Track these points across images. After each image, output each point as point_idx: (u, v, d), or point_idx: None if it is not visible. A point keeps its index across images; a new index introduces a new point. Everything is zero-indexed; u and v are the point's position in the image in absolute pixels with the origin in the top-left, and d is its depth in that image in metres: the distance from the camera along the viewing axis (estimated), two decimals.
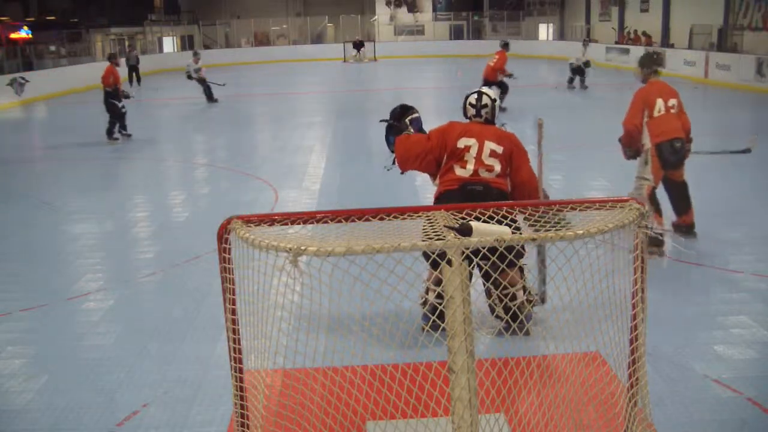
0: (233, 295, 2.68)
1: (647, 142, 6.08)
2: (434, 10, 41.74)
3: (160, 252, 6.77)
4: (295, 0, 42.51)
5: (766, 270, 5.67)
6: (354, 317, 4.08)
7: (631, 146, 6.26)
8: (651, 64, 6.57)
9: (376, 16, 40.98)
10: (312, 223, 2.65)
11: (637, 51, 26.67)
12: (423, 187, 8.51)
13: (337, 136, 13.71)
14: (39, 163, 12.48)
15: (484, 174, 4.34)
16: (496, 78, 15.97)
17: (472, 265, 2.67)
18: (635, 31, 29.26)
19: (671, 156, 6.06)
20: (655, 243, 5.84)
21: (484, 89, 4.70)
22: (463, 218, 2.59)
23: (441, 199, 4.32)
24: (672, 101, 6.24)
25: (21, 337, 4.92)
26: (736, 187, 8.46)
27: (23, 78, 20.93)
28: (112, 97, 13.00)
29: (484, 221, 2.50)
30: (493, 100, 4.61)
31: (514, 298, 3.96)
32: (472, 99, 4.63)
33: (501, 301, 3.77)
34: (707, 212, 7.53)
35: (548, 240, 2.34)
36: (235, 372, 2.76)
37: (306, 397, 3.49)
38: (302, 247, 2.30)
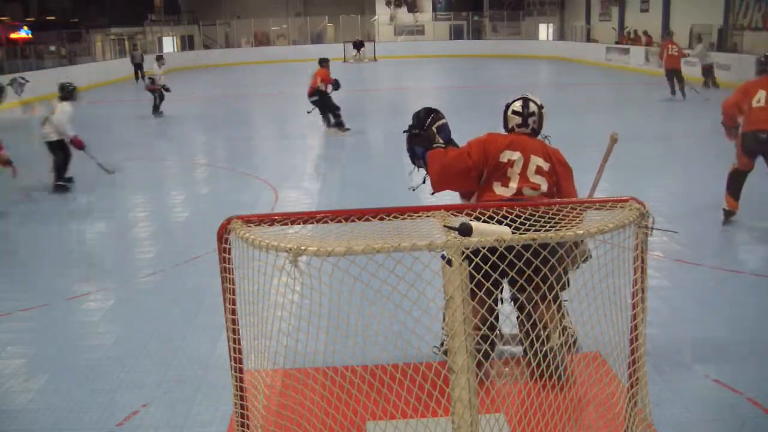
0: (233, 295, 2.68)
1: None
2: (434, 10, 41.73)
3: (160, 252, 6.77)
4: (295, 0, 42.51)
5: (766, 270, 5.67)
6: (354, 317, 4.08)
7: (727, 125, 6.76)
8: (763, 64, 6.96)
9: (376, 16, 40.98)
10: (312, 223, 2.65)
11: (637, 51, 26.70)
12: (423, 187, 8.51)
13: (337, 136, 13.71)
14: (39, 163, 12.47)
15: (528, 193, 3.78)
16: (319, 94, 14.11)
17: (499, 290, 2.64)
18: (635, 31, 29.24)
19: (755, 145, 6.50)
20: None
21: (530, 95, 4.14)
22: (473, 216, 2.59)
23: None
24: None
25: (21, 337, 4.92)
26: None
27: (23, 78, 20.92)
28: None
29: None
30: (540, 107, 4.05)
31: (548, 339, 3.41)
32: (517, 106, 4.03)
33: (531, 343, 3.26)
34: (707, 212, 7.53)
35: (548, 240, 2.34)
36: (235, 372, 2.76)
37: (306, 397, 3.49)
38: (302, 247, 2.30)
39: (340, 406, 3.29)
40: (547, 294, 2.76)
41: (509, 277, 2.85)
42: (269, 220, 2.67)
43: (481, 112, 13.70)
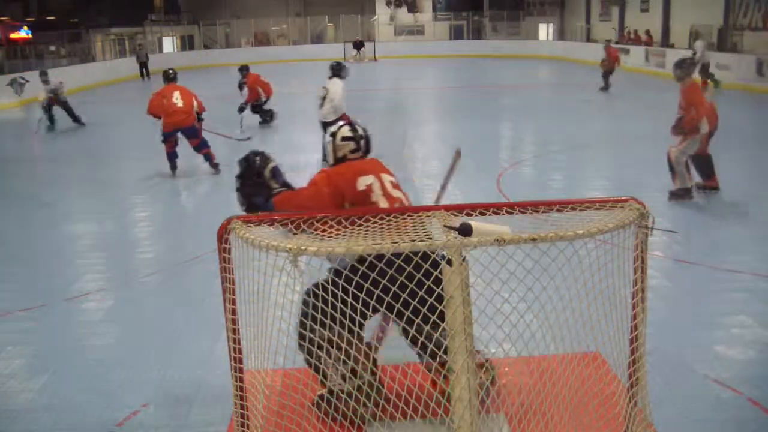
0: (233, 295, 2.68)
1: (704, 127, 7.63)
2: (434, 10, 41.72)
3: (160, 252, 6.77)
4: (295, 0, 42.51)
5: (766, 270, 5.67)
6: (354, 317, 4.08)
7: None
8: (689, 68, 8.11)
9: (376, 16, 40.98)
10: (312, 223, 2.65)
11: (637, 51, 26.69)
12: (423, 187, 8.51)
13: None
14: (39, 163, 12.49)
15: None
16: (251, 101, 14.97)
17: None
18: (635, 31, 29.24)
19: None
20: (684, 193, 7.69)
21: (350, 118, 4.03)
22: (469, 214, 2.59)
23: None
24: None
25: (21, 337, 4.92)
26: (735, 187, 8.45)
27: (23, 78, 20.93)
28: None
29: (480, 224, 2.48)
30: (365, 129, 3.94)
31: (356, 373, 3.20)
32: (346, 132, 3.85)
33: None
34: (707, 212, 7.53)
35: (548, 240, 2.34)
36: (235, 372, 2.76)
37: (306, 397, 3.49)
38: (302, 247, 2.30)
39: (340, 406, 3.28)
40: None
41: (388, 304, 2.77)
42: (269, 220, 2.67)
43: (481, 112, 13.72)
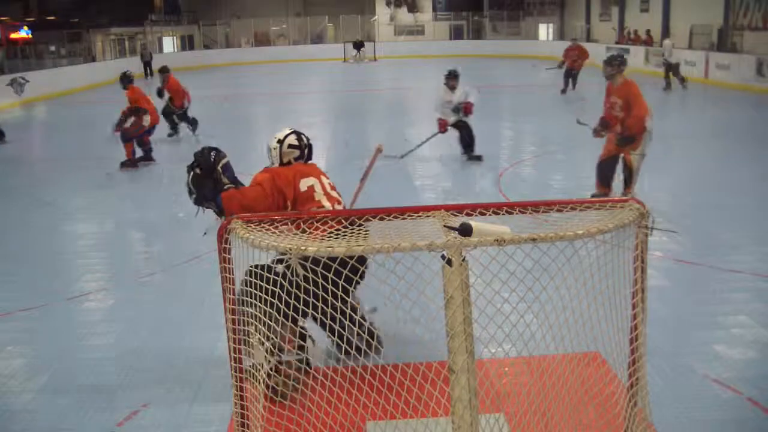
0: (233, 295, 2.68)
1: (649, 124, 7.19)
2: (434, 10, 41.71)
3: (160, 252, 6.77)
4: (295, 0, 42.50)
5: (766, 270, 5.67)
6: (354, 317, 4.08)
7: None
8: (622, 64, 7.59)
9: (376, 16, 40.97)
10: (312, 223, 2.65)
11: (637, 51, 26.69)
12: (423, 187, 8.51)
13: (337, 136, 13.72)
14: (39, 163, 12.48)
15: (339, 208, 4.00)
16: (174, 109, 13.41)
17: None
18: (635, 31, 29.23)
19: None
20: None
21: (295, 128, 4.26)
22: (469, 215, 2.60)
23: None
24: None
25: (21, 337, 4.92)
26: (735, 187, 8.46)
27: (23, 78, 20.93)
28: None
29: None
30: (308, 138, 4.24)
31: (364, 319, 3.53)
32: (293, 140, 4.13)
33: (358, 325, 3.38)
34: (707, 212, 7.53)
35: (548, 240, 2.34)
36: (235, 372, 2.76)
37: (306, 397, 3.49)
38: (302, 247, 2.30)
39: (340, 406, 3.29)
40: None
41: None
42: (269, 220, 2.67)
43: (481, 112, 13.69)
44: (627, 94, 7.28)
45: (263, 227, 2.59)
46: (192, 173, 4.08)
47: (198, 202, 4.10)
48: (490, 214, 2.65)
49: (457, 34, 40.59)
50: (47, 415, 3.85)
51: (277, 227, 2.62)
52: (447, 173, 10.06)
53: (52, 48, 31.24)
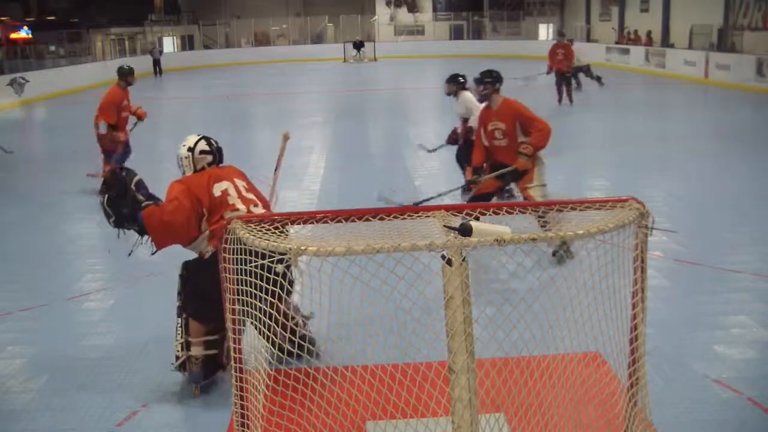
0: (233, 295, 2.67)
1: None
2: (434, 10, 41.71)
3: (160, 252, 6.75)
4: (295, 0, 42.50)
5: (766, 270, 5.67)
6: (354, 317, 4.07)
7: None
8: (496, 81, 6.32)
9: (376, 16, 40.97)
10: (312, 223, 2.65)
11: (637, 51, 26.70)
12: (423, 188, 8.51)
13: (337, 136, 13.71)
14: (39, 162, 12.48)
15: (255, 210, 3.97)
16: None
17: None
18: (635, 31, 29.24)
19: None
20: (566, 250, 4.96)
21: (203, 134, 4.23)
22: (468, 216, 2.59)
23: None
24: None
25: (21, 337, 4.92)
26: (735, 187, 8.45)
27: (23, 78, 20.93)
28: None
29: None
30: (216, 142, 4.22)
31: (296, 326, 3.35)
32: (203, 146, 4.11)
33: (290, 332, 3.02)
34: (707, 212, 7.53)
35: (548, 240, 2.34)
36: (235, 372, 2.76)
37: (306, 397, 3.49)
38: (302, 247, 2.30)
39: (340, 406, 3.29)
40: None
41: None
42: (269, 220, 2.67)
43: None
44: (513, 115, 6.03)
45: (263, 227, 2.59)
46: (106, 196, 4.04)
47: (118, 224, 4.10)
48: (490, 214, 2.65)
49: (457, 34, 40.58)
50: (47, 415, 3.85)
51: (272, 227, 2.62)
52: (447, 173, 10.04)
53: (52, 48, 31.26)
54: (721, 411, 3.69)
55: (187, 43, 39.86)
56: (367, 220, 2.66)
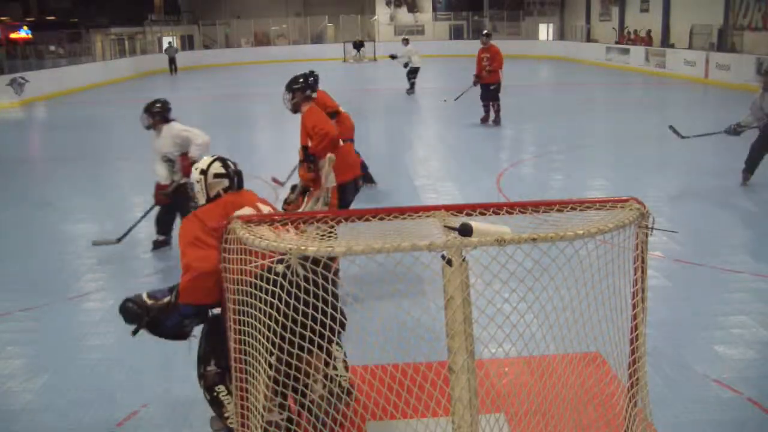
0: (234, 295, 2.67)
1: (331, 179, 5.33)
2: (434, 10, 41.72)
3: (160, 252, 6.77)
4: (295, 0, 42.51)
5: (766, 270, 5.67)
6: (354, 317, 4.07)
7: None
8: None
9: (376, 16, 40.96)
10: (312, 223, 2.65)
11: (637, 51, 26.70)
12: (423, 188, 8.51)
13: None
14: (39, 163, 12.49)
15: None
16: None
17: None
18: (635, 31, 29.24)
19: (352, 196, 5.73)
20: None
21: (220, 155, 3.65)
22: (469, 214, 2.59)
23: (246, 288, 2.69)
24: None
25: (21, 337, 4.92)
26: (736, 187, 8.45)
27: (23, 78, 20.93)
28: None
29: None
30: (235, 164, 3.64)
31: (310, 389, 3.15)
32: (217, 168, 3.50)
33: (295, 390, 2.90)
34: (707, 212, 7.53)
35: (548, 240, 2.33)
36: (235, 372, 2.75)
37: (306, 397, 3.49)
38: (302, 247, 2.30)
39: (340, 405, 3.28)
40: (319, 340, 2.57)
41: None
42: (269, 220, 2.67)
43: (481, 112, 13.70)
44: (306, 125, 5.50)
45: (263, 228, 2.58)
46: (142, 330, 3.55)
47: (177, 336, 3.61)
48: (490, 214, 2.65)
49: (457, 34, 40.58)
50: (47, 415, 3.85)
51: (277, 227, 2.61)
52: (447, 173, 10.05)
53: (52, 48, 31.25)
54: (721, 411, 3.69)
55: (187, 43, 39.86)
56: (367, 220, 2.66)
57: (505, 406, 3.30)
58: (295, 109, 5.67)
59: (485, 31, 14.51)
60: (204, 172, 3.49)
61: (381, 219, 2.67)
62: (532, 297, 2.68)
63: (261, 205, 3.49)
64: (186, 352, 4.53)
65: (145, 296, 3.47)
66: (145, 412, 3.84)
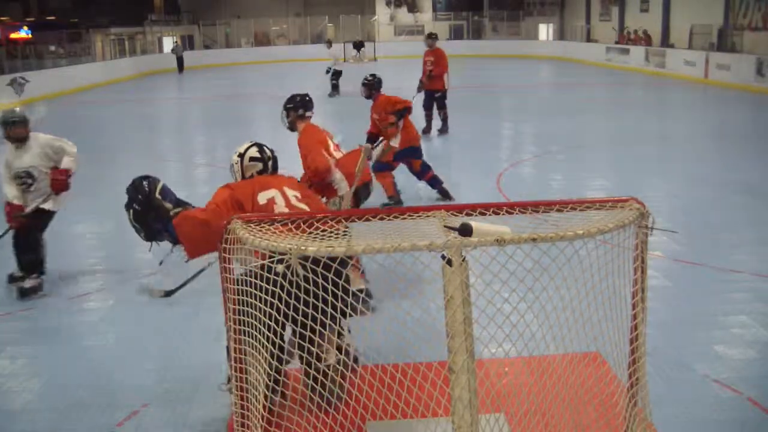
0: (233, 295, 2.67)
1: (344, 186, 5.40)
2: (434, 10, 41.72)
3: (160, 251, 6.76)
4: (295, 0, 42.51)
5: (766, 270, 5.67)
6: (354, 317, 4.08)
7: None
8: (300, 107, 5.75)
9: (376, 16, 40.97)
10: (312, 223, 2.65)
11: (637, 51, 26.70)
12: (423, 187, 8.51)
13: (337, 136, 13.69)
14: None
15: None
16: None
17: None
18: (635, 31, 29.24)
19: (365, 198, 5.76)
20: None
21: (257, 140, 3.99)
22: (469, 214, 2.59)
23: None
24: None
25: (21, 337, 4.92)
26: (735, 187, 8.46)
27: (23, 78, 20.93)
28: None
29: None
30: (272, 151, 3.97)
31: (322, 359, 3.38)
32: (254, 153, 3.87)
33: (308, 362, 3.18)
34: (707, 212, 7.53)
35: (548, 240, 2.34)
36: (235, 372, 2.75)
37: (306, 397, 3.49)
38: (302, 247, 2.30)
39: (340, 406, 3.29)
40: (324, 314, 2.67)
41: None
42: (269, 220, 2.67)
43: (481, 111, 13.71)
44: (300, 148, 5.60)
45: (263, 227, 2.58)
46: (131, 211, 3.81)
47: (149, 237, 3.88)
48: (490, 214, 2.65)
49: (457, 34, 40.58)
50: (47, 415, 3.85)
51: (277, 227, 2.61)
52: (447, 173, 10.05)
53: (52, 48, 31.25)
54: (721, 411, 3.69)
55: (187, 43, 39.86)
56: (367, 219, 2.66)
57: (505, 405, 3.30)
58: (292, 128, 5.79)
59: (429, 32, 13.31)
60: (241, 156, 3.89)
61: (381, 219, 2.67)
62: (532, 297, 2.68)
63: (288, 189, 3.75)
64: (186, 351, 4.54)
65: (159, 187, 3.90)
66: (145, 412, 3.83)
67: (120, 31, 36.64)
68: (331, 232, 2.55)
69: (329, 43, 21.42)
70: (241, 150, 3.91)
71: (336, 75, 19.72)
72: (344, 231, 2.58)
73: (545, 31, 39.48)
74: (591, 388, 3.14)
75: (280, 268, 2.69)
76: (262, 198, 3.66)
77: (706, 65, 21.04)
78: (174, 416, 3.79)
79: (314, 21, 40.53)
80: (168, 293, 4.33)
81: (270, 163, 3.90)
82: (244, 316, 2.67)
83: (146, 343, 4.71)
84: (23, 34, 38.06)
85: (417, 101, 12.34)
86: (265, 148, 3.94)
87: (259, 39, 40.66)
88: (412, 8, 41.47)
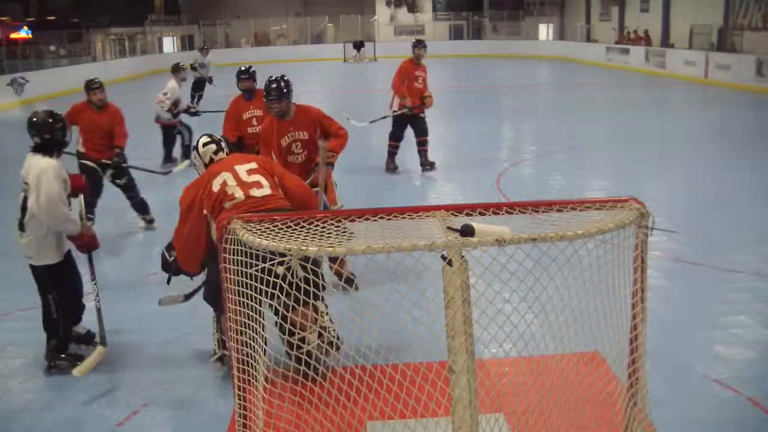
0: (234, 295, 2.67)
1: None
2: (434, 10, 41.72)
3: (160, 252, 6.76)
4: (295, 0, 42.51)
5: (766, 270, 5.67)
6: (354, 317, 4.08)
7: None
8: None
9: (376, 16, 40.96)
10: (312, 223, 2.65)
11: (637, 51, 26.70)
12: (423, 187, 8.52)
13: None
14: None
15: (257, 193, 3.82)
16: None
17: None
18: (635, 31, 29.24)
19: None
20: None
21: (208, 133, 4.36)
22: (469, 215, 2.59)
23: None
24: None
25: (21, 337, 4.92)
26: (735, 187, 8.46)
27: (23, 78, 20.92)
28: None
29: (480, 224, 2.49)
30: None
31: (305, 341, 3.55)
32: (205, 139, 4.20)
33: (290, 345, 3.38)
34: (707, 212, 7.53)
35: (548, 240, 2.33)
36: (236, 372, 2.75)
37: (305, 398, 3.49)
38: (302, 247, 2.30)
39: (338, 407, 3.29)
40: (306, 299, 2.82)
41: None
42: (269, 220, 2.67)
43: (481, 111, 13.72)
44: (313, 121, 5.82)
45: (264, 227, 2.58)
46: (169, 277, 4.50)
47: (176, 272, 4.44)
48: (490, 214, 2.65)
49: (457, 34, 40.59)
50: (47, 415, 3.85)
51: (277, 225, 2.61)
52: (447, 173, 10.05)
53: (52, 48, 31.26)
54: (721, 411, 3.69)
55: (187, 43, 39.86)
56: (367, 219, 2.66)
57: (505, 405, 3.30)
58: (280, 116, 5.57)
59: (418, 38, 10.68)
60: (196, 147, 4.19)
61: (381, 219, 2.67)
62: (532, 297, 2.68)
63: (239, 166, 3.92)
64: (186, 351, 4.54)
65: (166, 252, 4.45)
66: (145, 412, 3.84)
67: (120, 31, 36.64)
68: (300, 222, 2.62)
69: (206, 51, 19.16)
70: (194, 144, 4.26)
71: (199, 85, 17.69)
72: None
73: (545, 31, 39.48)
74: (591, 388, 3.14)
75: (280, 269, 2.69)
76: (215, 185, 3.87)
77: (706, 65, 21.04)
78: (174, 416, 3.80)
79: (314, 21, 40.53)
80: (187, 297, 4.58)
81: (222, 143, 4.19)
82: (239, 296, 2.72)
83: (146, 343, 4.70)
84: (23, 34, 38.08)
85: (377, 128, 10.87)
86: (213, 135, 4.26)
87: (259, 39, 40.65)
88: (412, 8, 41.46)
